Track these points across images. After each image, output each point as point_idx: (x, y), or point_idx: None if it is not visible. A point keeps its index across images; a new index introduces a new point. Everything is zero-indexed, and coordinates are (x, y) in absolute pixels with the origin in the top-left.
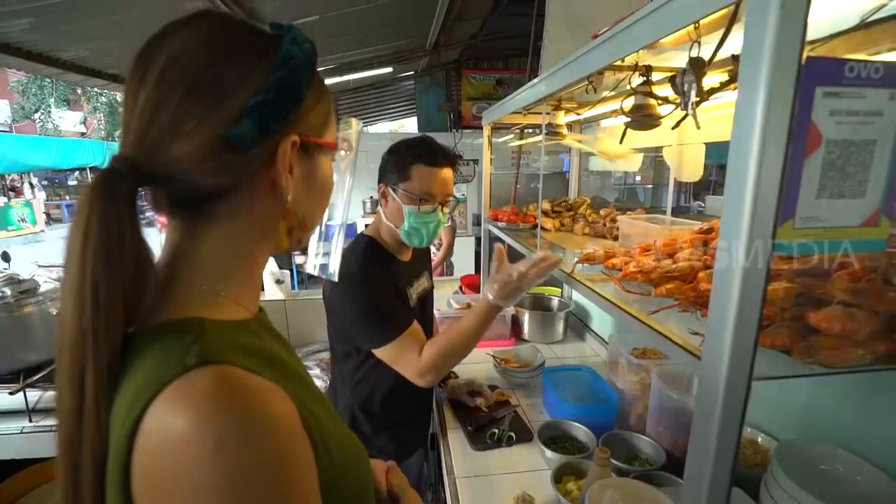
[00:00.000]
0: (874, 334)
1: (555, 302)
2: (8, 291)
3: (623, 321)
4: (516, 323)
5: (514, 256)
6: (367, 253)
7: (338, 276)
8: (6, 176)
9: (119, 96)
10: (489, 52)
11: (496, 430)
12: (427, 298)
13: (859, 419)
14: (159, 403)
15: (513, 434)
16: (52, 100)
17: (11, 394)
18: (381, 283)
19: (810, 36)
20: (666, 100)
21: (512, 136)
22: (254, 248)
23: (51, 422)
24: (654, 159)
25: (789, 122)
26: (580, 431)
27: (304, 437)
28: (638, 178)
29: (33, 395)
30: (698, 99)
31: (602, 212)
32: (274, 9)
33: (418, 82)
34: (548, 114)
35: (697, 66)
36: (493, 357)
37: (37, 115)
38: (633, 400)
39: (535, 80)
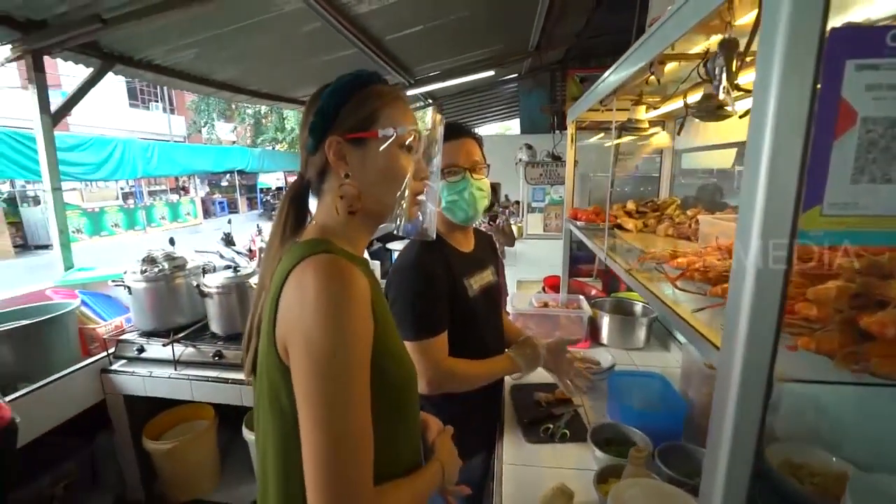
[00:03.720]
0: None
1: (638, 307)
2: (166, 265)
3: (664, 315)
4: (594, 326)
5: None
6: (424, 243)
7: (396, 265)
8: (178, 178)
9: (262, 110)
10: (596, 50)
11: (550, 426)
12: (491, 292)
13: None
14: (298, 267)
15: (567, 431)
16: (214, 114)
17: (164, 345)
18: (433, 278)
19: None
20: (739, 87)
21: (602, 134)
22: None
23: (191, 371)
24: None
25: (810, 99)
26: (637, 437)
27: (370, 313)
28: None
29: (179, 349)
30: (729, 83)
31: (689, 212)
32: (382, 24)
33: (521, 84)
34: (626, 110)
35: (729, 48)
36: None
37: (204, 129)
38: (706, 412)
39: (606, 74)
